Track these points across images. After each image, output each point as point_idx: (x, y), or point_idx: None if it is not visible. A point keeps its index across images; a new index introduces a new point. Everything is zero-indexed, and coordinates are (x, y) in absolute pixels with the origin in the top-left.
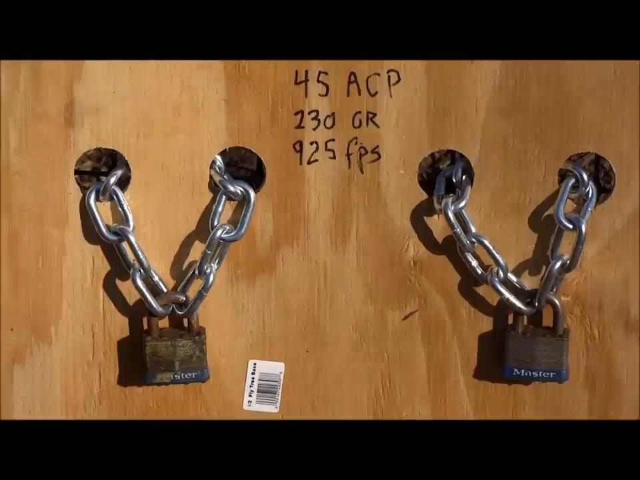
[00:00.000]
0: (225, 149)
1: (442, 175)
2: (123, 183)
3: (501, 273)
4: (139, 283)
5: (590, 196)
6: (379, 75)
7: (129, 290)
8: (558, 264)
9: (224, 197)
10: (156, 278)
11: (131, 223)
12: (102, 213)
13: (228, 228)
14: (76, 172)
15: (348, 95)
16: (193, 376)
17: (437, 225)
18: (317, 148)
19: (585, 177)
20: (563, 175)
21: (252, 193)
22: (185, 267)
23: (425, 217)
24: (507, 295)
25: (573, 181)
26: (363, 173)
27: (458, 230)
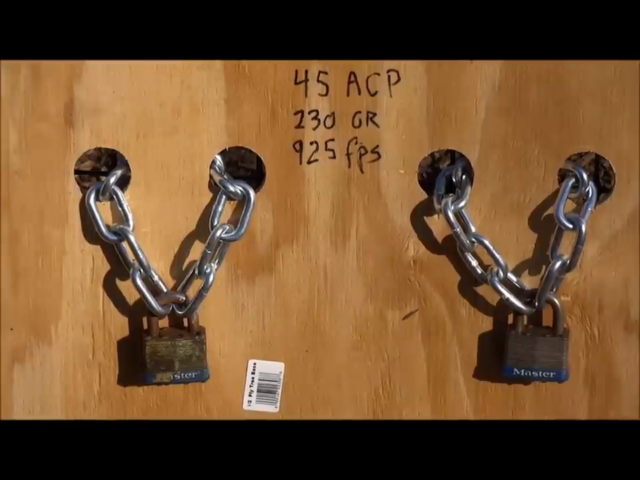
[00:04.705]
0: (225, 149)
1: (442, 174)
2: (123, 182)
3: (500, 272)
4: (139, 282)
5: (590, 196)
6: (378, 74)
7: (128, 290)
8: (558, 264)
9: (224, 196)
10: (156, 278)
11: (131, 223)
12: (102, 212)
13: (228, 228)
14: (76, 172)
15: (348, 95)
16: (193, 376)
17: (437, 225)
18: (317, 148)
19: (585, 176)
20: (563, 175)
21: (252, 193)
22: (184, 266)
23: (425, 217)
24: (507, 294)
25: (572, 180)
26: (362, 172)
27: (458, 230)
